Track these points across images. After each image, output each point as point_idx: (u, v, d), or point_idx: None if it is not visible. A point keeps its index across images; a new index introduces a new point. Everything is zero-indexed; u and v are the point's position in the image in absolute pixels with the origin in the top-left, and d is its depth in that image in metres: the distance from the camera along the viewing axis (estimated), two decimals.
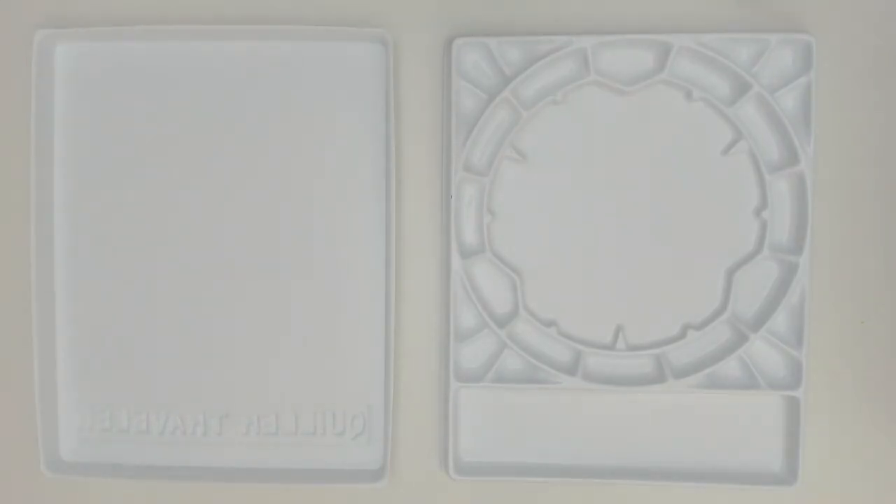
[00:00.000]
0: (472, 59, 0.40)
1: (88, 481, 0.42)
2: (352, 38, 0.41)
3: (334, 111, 0.41)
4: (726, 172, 0.40)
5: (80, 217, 0.42)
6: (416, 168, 0.42)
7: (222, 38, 0.41)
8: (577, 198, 0.41)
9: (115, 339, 0.42)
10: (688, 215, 0.40)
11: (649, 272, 0.41)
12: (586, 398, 0.41)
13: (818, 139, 0.40)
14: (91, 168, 0.42)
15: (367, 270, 0.41)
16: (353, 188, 0.42)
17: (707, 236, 0.40)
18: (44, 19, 0.42)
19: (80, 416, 0.42)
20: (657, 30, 0.40)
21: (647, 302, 0.41)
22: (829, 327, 0.41)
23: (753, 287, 0.40)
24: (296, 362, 0.42)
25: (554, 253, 0.41)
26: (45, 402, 0.41)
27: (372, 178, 0.41)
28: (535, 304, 0.41)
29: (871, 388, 0.41)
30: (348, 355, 0.42)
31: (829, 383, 0.41)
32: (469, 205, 0.41)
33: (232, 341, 0.42)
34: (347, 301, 0.42)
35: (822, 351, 0.41)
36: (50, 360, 0.42)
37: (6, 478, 0.43)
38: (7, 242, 0.42)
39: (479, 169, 0.41)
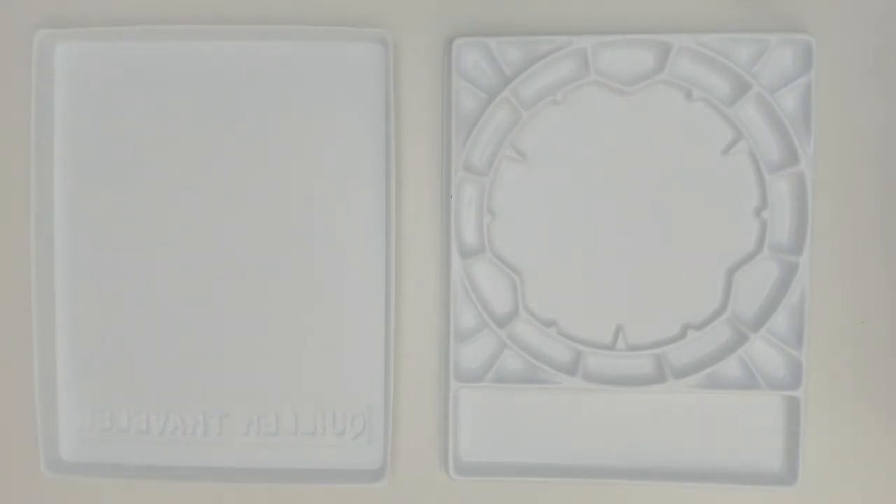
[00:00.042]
0: (472, 59, 0.40)
1: (88, 481, 0.42)
2: (352, 38, 0.41)
3: (334, 111, 0.41)
4: (726, 172, 0.40)
5: (80, 217, 0.42)
6: (416, 168, 0.42)
7: (222, 38, 0.41)
8: (577, 198, 0.41)
9: (115, 339, 0.42)
10: (688, 215, 0.40)
11: (649, 272, 0.41)
12: (586, 398, 0.41)
13: (818, 139, 0.40)
14: (91, 168, 0.42)
15: (367, 270, 0.41)
16: (353, 188, 0.42)
17: (707, 236, 0.40)
18: (44, 19, 0.42)
19: (80, 416, 0.42)
20: (657, 30, 0.40)
21: (647, 302, 0.41)
22: (829, 327, 0.41)
23: (753, 287, 0.40)
24: (296, 362, 0.42)
25: (554, 253, 0.41)
26: (45, 402, 0.41)
27: (372, 178, 0.41)
28: (535, 304, 0.41)
29: (871, 388, 0.41)
30: (348, 355, 0.42)
31: (829, 383, 0.41)
32: (469, 205, 0.41)
33: (232, 341, 0.42)
34: (347, 301, 0.42)
35: (822, 351, 0.41)
36: (50, 360, 0.42)
37: (6, 478, 0.43)
38: (7, 242, 0.42)
39: (479, 169, 0.41)
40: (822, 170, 0.41)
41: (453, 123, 0.40)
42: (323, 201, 0.42)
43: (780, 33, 0.39)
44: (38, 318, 0.41)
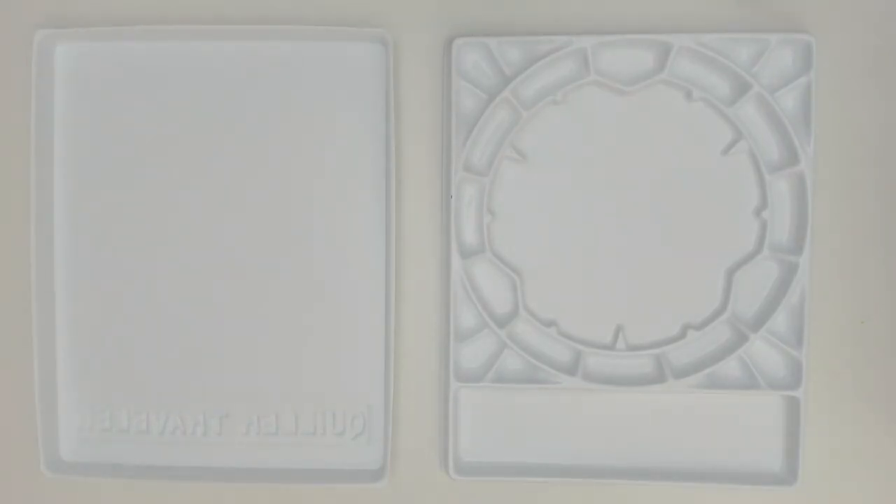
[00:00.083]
0: (472, 59, 0.40)
1: (88, 481, 0.42)
2: (352, 38, 0.41)
3: (334, 111, 0.41)
4: (726, 172, 0.40)
5: (80, 217, 0.42)
6: (416, 168, 0.42)
7: (222, 38, 0.41)
8: (577, 198, 0.41)
9: (115, 339, 0.42)
10: (688, 215, 0.40)
11: (649, 272, 0.41)
12: (586, 398, 0.41)
13: (818, 139, 0.40)
14: (91, 168, 0.42)
15: (367, 270, 0.41)
16: (353, 188, 0.42)
17: (707, 236, 0.40)
18: (44, 19, 0.42)
19: (80, 416, 0.42)
20: (657, 30, 0.40)
21: (647, 302, 0.41)
22: (829, 327, 0.41)
23: (753, 287, 0.40)
24: (296, 362, 0.42)
25: (554, 253, 0.41)
26: (45, 402, 0.41)
27: (372, 178, 0.41)
28: (535, 304, 0.41)
29: (871, 388, 0.41)
30: (348, 355, 0.42)
31: (829, 383, 0.41)
32: (469, 205, 0.41)
33: (232, 341, 0.42)
34: (347, 301, 0.42)
35: (822, 351, 0.41)
36: (50, 360, 0.42)
37: (6, 478, 0.43)
38: (7, 242, 0.42)
39: (479, 169, 0.41)
40: (822, 170, 0.41)
41: (453, 123, 0.40)
42: (323, 201, 0.42)
43: (780, 33, 0.39)
44: (38, 318, 0.41)
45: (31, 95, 0.40)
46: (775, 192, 0.40)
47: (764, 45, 0.39)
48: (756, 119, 0.40)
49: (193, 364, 0.42)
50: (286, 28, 0.41)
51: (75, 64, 0.42)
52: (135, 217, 0.42)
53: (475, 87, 0.40)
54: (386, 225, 0.41)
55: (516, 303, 0.41)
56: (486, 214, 0.40)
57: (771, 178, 0.40)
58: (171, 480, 0.42)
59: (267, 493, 0.42)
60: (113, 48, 0.42)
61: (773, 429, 0.41)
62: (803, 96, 0.39)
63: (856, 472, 0.41)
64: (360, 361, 0.42)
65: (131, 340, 0.42)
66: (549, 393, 0.41)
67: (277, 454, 0.42)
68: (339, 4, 0.42)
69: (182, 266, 0.42)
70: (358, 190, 0.42)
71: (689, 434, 0.41)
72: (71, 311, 0.42)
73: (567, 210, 0.41)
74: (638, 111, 0.40)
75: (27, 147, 0.41)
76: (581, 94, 0.40)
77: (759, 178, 0.40)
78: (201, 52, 0.41)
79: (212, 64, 0.42)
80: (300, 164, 0.42)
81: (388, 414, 0.41)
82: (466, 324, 0.41)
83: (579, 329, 0.41)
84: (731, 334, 0.41)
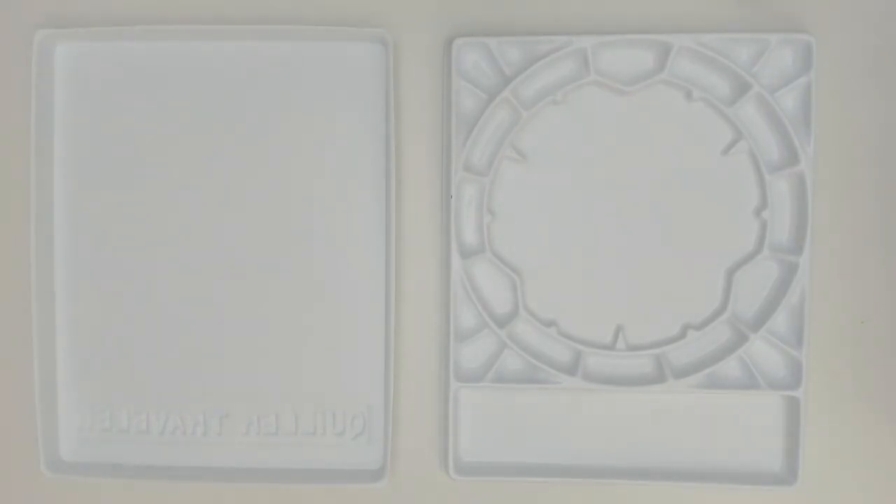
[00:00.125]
0: (472, 59, 0.40)
1: (88, 481, 0.42)
2: (352, 38, 0.41)
3: (334, 111, 0.41)
4: (726, 172, 0.40)
5: (80, 217, 0.42)
6: (416, 168, 0.42)
7: (222, 38, 0.41)
8: (577, 198, 0.41)
9: (115, 339, 0.42)
10: (688, 215, 0.40)
11: (649, 272, 0.41)
12: (586, 398, 0.41)
13: (818, 139, 0.40)
14: (91, 168, 0.42)
15: (367, 270, 0.41)
16: (353, 188, 0.42)
17: (707, 236, 0.40)
18: (44, 19, 0.42)
19: (80, 416, 0.42)
20: (657, 30, 0.40)
21: (647, 302, 0.41)
22: (829, 327, 0.41)
23: (753, 287, 0.40)
24: (296, 363, 0.42)
25: (554, 253, 0.41)
26: (45, 402, 0.41)
27: (372, 178, 0.41)
28: (535, 304, 0.41)
29: (871, 388, 0.41)
30: (348, 355, 0.42)
31: (829, 383, 0.41)
32: (469, 205, 0.41)
33: (232, 341, 0.42)
34: (347, 301, 0.42)
35: (822, 351, 0.41)
36: (50, 360, 0.42)
37: (6, 478, 0.43)
38: (7, 242, 0.42)
39: (479, 169, 0.41)
40: (822, 170, 0.41)
41: (453, 123, 0.40)
42: (323, 201, 0.42)
43: (780, 33, 0.39)
44: (38, 318, 0.41)
45: (31, 95, 0.40)
46: (775, 192, 0.40)
47: (764, 45, 0.39)
48: (756, 119, 0.40)
49: (193, 364, 0.42)
50: (286, 28, 0.41)
51: (75, 64, 0.42)
52: (135, 217, 0.42)
53: (475, 87, 0.40)
54: (386, 225, 0.41)
55: (516, 303, 0.41)
56: (486, 214, 0.40)
57: (771, 178, 0.40)
58: (171, 480, 0.42)
59: (267, 493, 0.42)
60: (113, 48, 0.42)
61: (773, 429, 0.41)
62: (803, 96, 0.39)
63: (856, 472, 0.41)
64: (360, 361, 0.42)
65: (131, 340, 0.42)
66: (549, 393, 0.41)
67: (277, 454, 0.42)
68: (339, 4, 0.42)
69: (182, 266, 0.42)
70: (358, 190, 0.42)
71: (689, 434, 0.41)
72: (71, 311, 0.42)
73: (567, 210, 0.41)
74: (638, 111, 0.40)
75: (27, 147, 0.41)
76: (581, 94, 0.40)
77: (759, 178, 0.40)
78: (201, 52, 0.41)
79: (212, 64, 0.42)
80: (300, 164, 0.42)
81: (388, 414, 0.41)
82: (466, 324, 0.41)
83: (579, 329, 0.41)
84: (731, 334, 0.41)
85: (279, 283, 0.42)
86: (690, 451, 0.41)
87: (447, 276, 0.40)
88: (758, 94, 0.39)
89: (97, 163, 0.42)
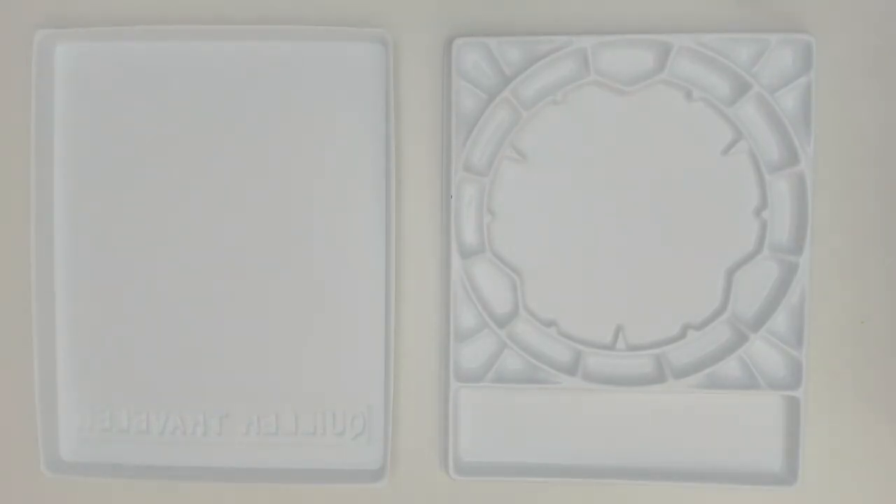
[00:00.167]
0: (472, 59, 0.40)
1: (88, 481, 0.42)
2: (352, 38, 0.41)
3: (334, 111, 0.41)
4: (726, 172, 0.40)
5: (80, 217, 0.42)
6: (416, 168, 0.42)
7: (222, 38, 0.41)
8: (577, 198, 0.41)
9: (115, 339, 0.42)
10: (688, 215, 0.40)
11: (649, 272, 0.41)
12: (586, 398, 0.41)
13: (818, 139, 0.40)
14: (91, 168, 0.42)
15: (367, 270, 0.41)
16: (353, 188, 0.42)
17: (707, 236, 0.40)
18: (44, 19, 0.42)
19: (80, 416, 0.42)
20: (657, 30, 0.40)
21: (647, 302, 0.41)
22: (829, 327, 0.41)
23: (753, 287, 0.40)
24: (296, 363, 0.42)
25: (554, 253, 0.41)
26: (45, 402, 0.41)
27: (372, 178, 0.41)
28: (535, 304, 0.41)
29: (871, 388, 0.41)
30: (348, 355, 0.42)
31: (829, 383, 0.41)
32: (469, 205, 0.41)
33: (232, 341, 0.42)
34: (347, 301, 0.42)
35: (822, 351, 0.41)
36: (50, 360, 0.42)
37: (6, 478, 0.43)
38: (7, 242, 0.42)
39: (479, 169, 0.41)
40: (822, 170, 0.41)
41: (453, 123, 0.40)
42: (323, 201, 0.42)
43: (780, 33, 0.39)
44: (38, 318, 0.41)
45: (31, 95, 0.40)
46: (775, 192, 0.40)
47: (764, 45, 0.39)
48: (756, 119, 0.40)
49: (193, 364, 0.42)
50: (286, 28, 0.41)
51: (75, 64, 0.42)
52: (135, 217, 0.42)
53: (475, 87, 0.40)
54: (386, 225, 0.41)
55: (516, 303, 0.41)
56: (486, 214, 0.40)
57: (771, 178, 0.40)
58: (171, 480, 0.42)
59: (267, 493, 0.42)
60: (113, 48, 0.42)
61: (773, 429, 0.41)
62: (803, 96, 0.39)
63: (856, 472, 0.41)
64: (360, 361, 0.42)
65: (131, 340, 0.42)
66: (549, 393, 0.41)
67: (277, 454, 0.42)
68: (339, 4, 0.42)
69: (182, 266, 0.42)
70: (358, 190, 0.42)
71: (689, 434, 0.41)
72: (71, 311, 0.42)
73: (567, 210, 0.41)
74: (638, 111, 0.40)
75: (27, 147, 0.41)
76: (581, 94, 0.40)
77: (759, 178, 0.40)
78: (201, 52, 0.41)
79: (212, 64, 0.42)
80: (300, 164, 0.42)
81: (388, 414, 0.41)
82: (466, 324, 0.41)
83: (579, 329, 0.41)
84: (731, 334, 0.41)
85: (279, 283, 0.42)
86: (690, 451, 0.41)
87: (447, 276, 0.40)
88: (758, 94, 0.39)
89: (97, 163, 0.42)
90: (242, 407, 0.42)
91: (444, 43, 0.41)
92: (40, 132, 0.41)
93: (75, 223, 0.42)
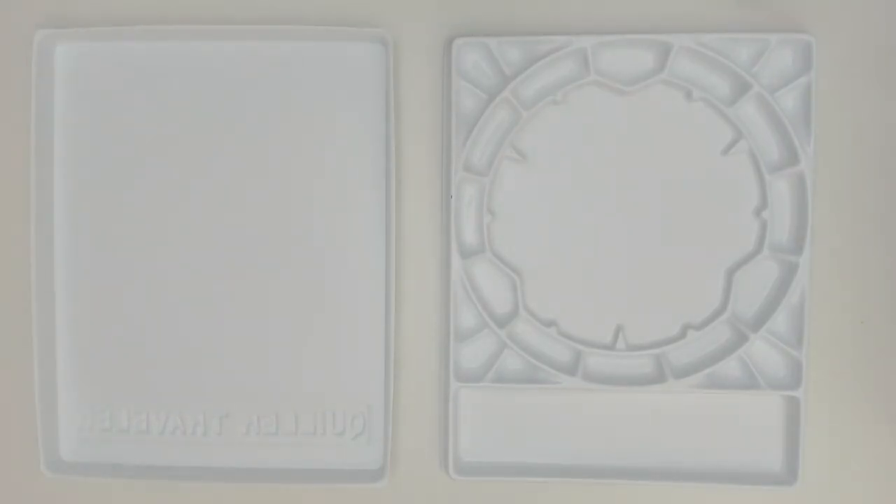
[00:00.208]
0: (472, 59, 0.40)
1: (88, 481, 0.42)
2: (352, 38, 0.41)
3: (334, 111, 0.41)
4: (726, 172, 0.40)
5: (80, 217, 0.42)
6: (416, 168, 0.42)
7: (222, 38, 0.41)
8: (577, 198, 0.41)
9: (115, 339, 0.42)
10: (688, 215, 0.40)
11: (649, 272, 0.41)
12: (586, 398, 0.41)
13: (818, 139, 0.40)
14: (91, 168, 0.42)
15: (367, 270, 0.41)
16: (353, 188, 0.42)
17: (707, 236, 0.40)
18: (44, 19, 0.42)
19: (80, 416, 0.42)
20: (657, 30, 0.40)
21: (647, 302, 0.41)
22: (829, 327, 0.41)
23: (753, 287, 0.40)
24: (296, 363, 0.42)
25: (554, 253, 0.41)
26: (45, 402, 0.41)
27: (372, 178, 0.41)
28: (535, 304, 0.41)
29: (871, 388, 0.41)
30: (348, 355, 0.42)
31: (829, 383, 0.41)
32: (469, 205, 0.41)
33: (232, 341, 0.42)
34: (347, 301, 0.42)
35: (822, 351, 0.41)
36: (50, 360, 0.42)
37: (6, 478, 0.43)
38: (7, 242, 0.42)
39: (479, 169, 0.41)
40: (822, 170, 0.41)
41: (453, 123, 0.40)
42: (323, 201, 0.42)
43: (780, 33, 0.39)
44: (38, 318, 0.41)
45: (31, 95, 0.40)
46: (775, 192, 0.40)
47: (764, 45, 0.39)
48: (756, 119, 0.40)
49: (193, 364, 0.42)
50: (286, 28, 0.41)
51: (75, 64, 0.42)
52: (135, 217, 0.42)
53: (475, 87, 0.40)
54: (386, 225, 0.41)
55: (516, 303, 0.41)
56: (486, 214, 0.40)
57: (771, 178, 0.40)
58: (171, 480, 0.42)
59: (267, 493, 0.42)
60: (113, 48, 0.42)
61: (773, 429, 0.41)
62: (803, 96, 0.39)
63: (856, 472, 0.41)
64: (360, 361, 0.42)
65: (131, 340, 0.42)
66: (549, 393, 0.41)
67: (277, 454, 0.42)
68: (339, 4, 0.42)
69: (182, 266, 0.42)
70: (358, 190, 0.42)
71: (689, 434, 0.41)
72: (71, 311, 0.42)
73: (567, 210, 0.41)
74: (638, 111, 0.40)
75: (27, 147, 0.41)
76: (581, 94, 0.40)
77: (759, 178, 0.40)
78: (201, 52, 0.41)
79: (212, 64, 0.42)
80: (300, 164, 0.42)
81: (388, 414, 0.41)
82: (466, 324, 0.41)
83: (579, 329, 0.41)
84: (731, 334, 0.41)
85: (279, 284, 0.42)
86: (690, 451, 0.41)
87: (447, 276, 0.40)
88: (758, 94, 0.39)
89: (97, 163, 0.42)
90: (242, 407, 0.42)
91: (444, 43, 0.41)
92: (40, 132, 0.41)
93: (75, 223, 0.42)
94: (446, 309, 0.41)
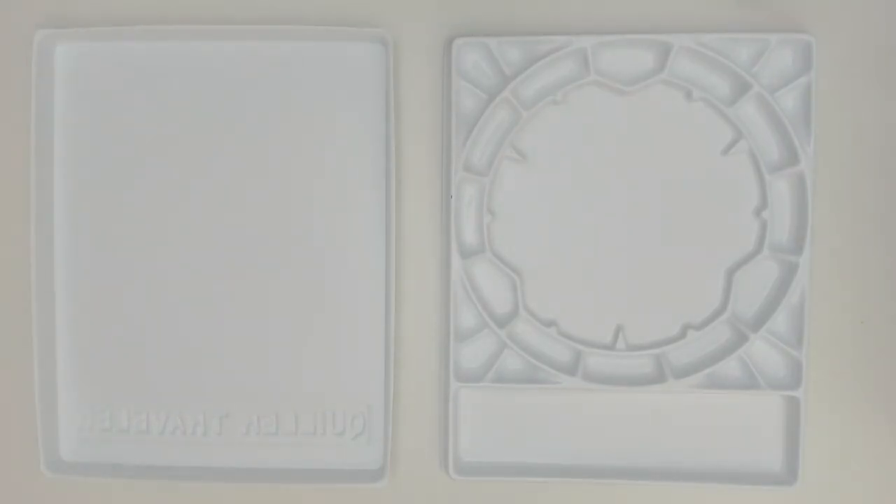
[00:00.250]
0: (472, 59, 0.40)
1: (88, 481, 0.42)
2: (352, 38, 0.41)
3: (334, 111, 0.41)
4: (726, 172, 0.40)
5: (80, 217, 0.42)
6: (416, 168, 0.42)
7: (222, 38, 0.41)
8: (577, 198, 0.41)
9: (115, 339, 0.42)
10: (688, 215, 0.40)
11: (649, 272, 0.41)
12: (586, 398, 0.41)
13: (818, 139, 0.40)
14: (91, 168, 0.42)
15: (367, 270, 0.41)
16: (353, 188, 0.42)
17: (707, 236, 0.40)
18: (44, 19, 0.42)
19: (80, 416, 0.42)
20: (657, 30, 0.40)
21: (647, 302, 0.41)
22: (829, 327, 0.41)
23: (753, 287, 0.40)
24: (296, 363, 0.42)
25: (554, 253, 0.41)
26: (45, 402, 0.41)
27: (372, 178, 0.41)
28: (535, 304, 0.41)
29: (871, 388, 0.41)
30: (348, 355, 0.42)
31: (829, 383, 0.41)
32: (469, 205, 0.41)
33: (232, 341, 0.42)
34: (347, 301, 0.42)
35: (822, 351, 0.41)
36: (50, 360, 0.42)
37: (6, 478, 0.43)
38: (7, 242, 0.42)
39: (479, 169, 0.41)
40: (822, 170, 0.41)
41: (453, 123, 0.40)
42: (323, 201, 0.42)
43: (780, 33, 0.39)
44: (38, 318, 0.41)
45: (31, 95, 0.40)
46: (775, 192, 0.40)
47: (764, 45, 0.39)
48: (756, 119, 0.40)
49: (193, 364, 0.42)
50: (286, 28, 0.41)
51: (75, 64, 0.42)
52: (135, 217, 0.42)
53: (475, 87, 0.40)
54: (386, 225, 0.41)
55: (516, 303, 0.41)
56: (486, 214, 0.40)
57: (771, 178, 0.40)
58: (171, 480, 0.42)
59: (267, 493, 0.42)
60: (113, 48, 0.42)
61: (773, 429, 0.41)
62: (803, 96, 0.39)
63: (856, 472, 0.41)
64: (360, 361, 0.42)
65: (131, 340, 0.42)
66: (549, 393, 0.41)
67: (277, 454, 0.42)
68: (339, 4, 0.42)
69: (182, 266, 0.42)
70: (358, 190, 0.42)
71: (689, 434, 0.41)
72: (71, 311, 0.42)
73: (567, 210, 0.41)
74: (638, 111, 0.40)
75: (27, 147, 0.41)
76: (581, 94, 0.40)
77: (759, 178, 0.40)
78: (201, 52, 0.41)
79: (212, 64, 0.42)
80: (300, 164, 0.42)
81: (388, 414, 0.41)
82: (466, 324, 0.41)
83: (579, 329, 0.41)
84: (731, 334, 0.41)
85: (279, 284, 0.42)
86: (690, 451, 0.41)
87: (447, 276, 0.40)
88: (758, 94, 0.39)
89: (97, 163, 0.42)
90: (242, 407, 0.42)
91: (444, 43, 0.41)
92: (40, 132, 0.41)
93: (75, 223, 0.42)
94: (446, 309, 0.41)
